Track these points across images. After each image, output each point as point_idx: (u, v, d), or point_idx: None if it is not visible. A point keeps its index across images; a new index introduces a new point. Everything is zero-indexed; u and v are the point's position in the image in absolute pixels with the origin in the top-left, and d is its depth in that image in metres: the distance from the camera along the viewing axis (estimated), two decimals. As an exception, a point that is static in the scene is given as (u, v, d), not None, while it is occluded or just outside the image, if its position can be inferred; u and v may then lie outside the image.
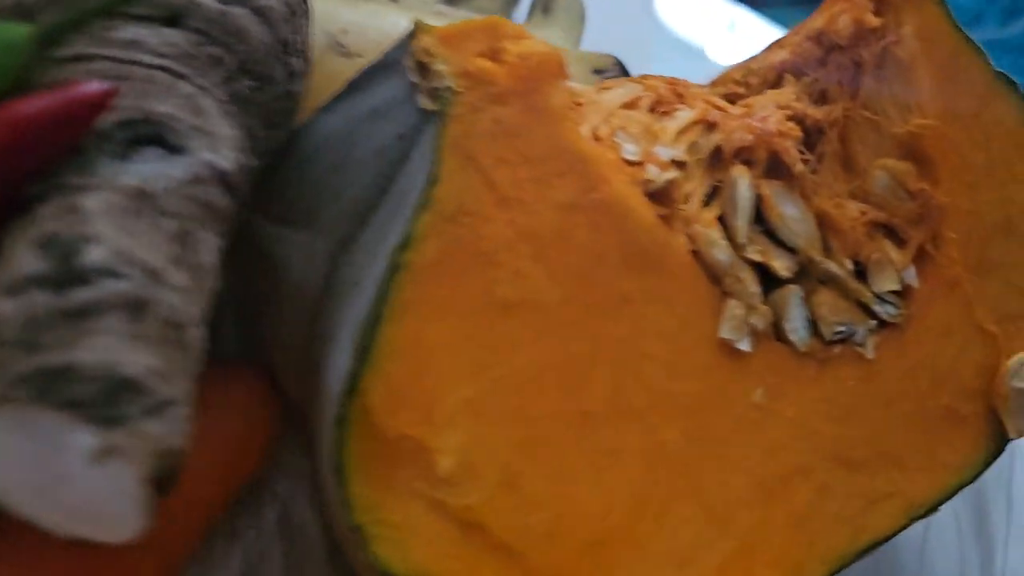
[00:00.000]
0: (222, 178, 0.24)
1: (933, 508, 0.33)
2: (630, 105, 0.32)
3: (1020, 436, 0.33)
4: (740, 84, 0.35)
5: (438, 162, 0.28)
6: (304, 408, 0.34)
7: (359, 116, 0.30)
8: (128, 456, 0.20)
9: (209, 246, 0.24)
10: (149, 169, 0.23)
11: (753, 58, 0.35)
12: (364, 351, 0.27)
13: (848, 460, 0.32)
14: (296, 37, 0.28)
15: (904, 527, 0.32)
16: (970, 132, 0.33)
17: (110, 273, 0.21)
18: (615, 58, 0.41)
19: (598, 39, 0.46)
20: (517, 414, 0.28)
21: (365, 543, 0.28)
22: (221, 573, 0.35)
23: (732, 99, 0.34)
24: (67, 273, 0.21)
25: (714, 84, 0.36)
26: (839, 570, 0.32)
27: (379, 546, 0.28)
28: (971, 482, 0.33)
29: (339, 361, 0.28)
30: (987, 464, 0.33)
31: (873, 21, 0.33)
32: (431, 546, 0.28)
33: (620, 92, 0.33)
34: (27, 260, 0.21)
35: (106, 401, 0.20)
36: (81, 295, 0.20)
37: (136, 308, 0.21)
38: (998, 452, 0.34)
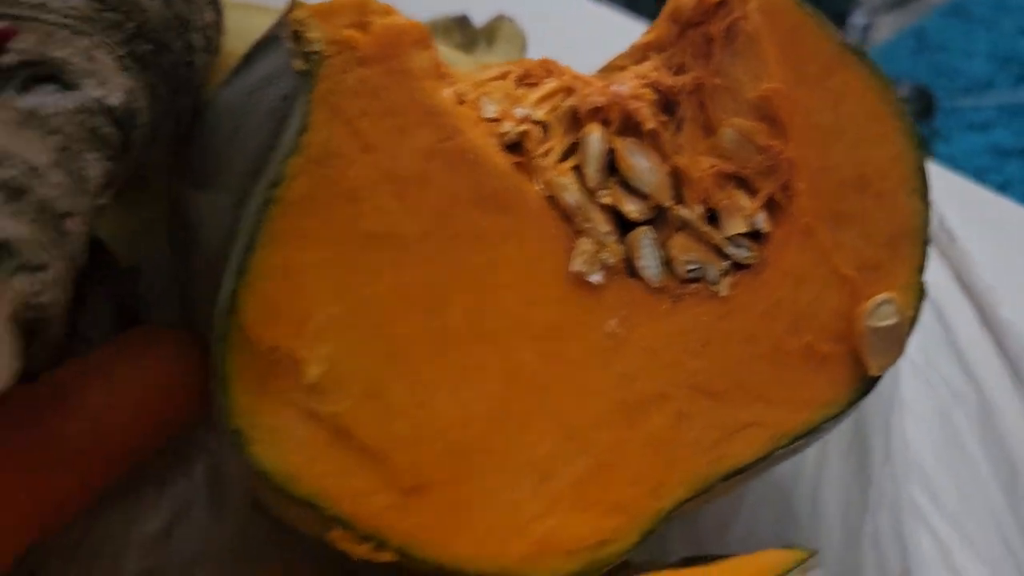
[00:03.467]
0: (110, 112, 0.31)
1: (799, 440, 0.36)
2: (499, 77, 0.38)
3: (880, 373, 0.37)
4: (617, 68, 0.41)
5: (308, 114, 0.34)
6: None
7: (252, 85, 0.37)
8: (-4, 301, 0.26)
9: (96, 165, 0.30)
10: (42, 99, 0.30)
11: (631, 45, 0.41)
12: (240, 273, 0.33)
13: (708, 390, 0.36)
14: (195, 17, 0.35)
15: (768, 456, 0.36)
16: (818, 96, 0.38)
17: (-7, 162, 0.27)
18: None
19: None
20: (381, 331, 0.33)
21: (243, 445, 0.32)
22: (152, 515, 0.40)
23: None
24: (-43, 159, 0.27)
25: (600, 71, 0.42)
26: (702, 492, 0.35)
27: (255, 447, 0.32)
28: (838, 417, 0.37)
29: (222, 294, 0.34)
30: (853, 401, 0.37)
31: (714, -1, 0.39)
32: (303, 449, 0.33)
33: (494, 69, 0.39)
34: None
35: (-21, 256, 0.26)
36: (-33, 176, 0.27)
37: (15, 192, 0.27)
38: (864, 390, 0.37)
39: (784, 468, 0.40)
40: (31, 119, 0.29)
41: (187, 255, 0.40)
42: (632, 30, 0.72)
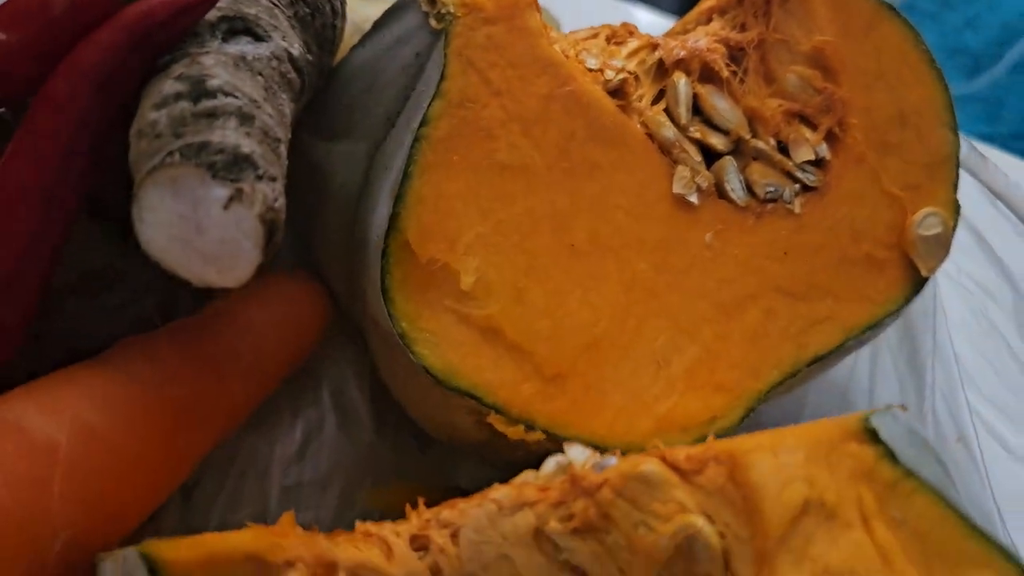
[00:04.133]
0: (292, 59, 0.37)
1: (865, 332, 0.43)
2: (592, 37, 0.45)
3: (930, 274, 0.44)
4: (681, 32, 0.47)
5: (446, 65, 0.40)
6: (346, 301, 0.45)
7: (384, 45, 0.42)
8: (248, 201, 0.31)
9: (287, 105, 0.36)
10: (243, 47, 0.35)
11: (695, 8, 0.48)
12: (399, 199, 0.38)
13: (789, 291, 0.42)
14: (336, -13, 0.41)
15: (841, 346, 0.42)
16: (862, 46, 0.45)
17: (227, 93, 0.33)
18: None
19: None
20: (519, 246, 0.39)
21: (408, 346, 0.38)
22: (288, 438, 0.45)
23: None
24: (198, 90, 0.32)
25: (667, 34, 0.48)
26: (790, 376, 0.42)
27: (419, 348, 0.38)
28: (897, 312, 0.43)
29: (378, 219, 0.40)
30: (908, 298, 0.44)
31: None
32: (460, 347, 0.38)
33: (584, 30, 0.45)
34: (168, 85, 0.33)
35: (231, 166, 0.31)
36: (209, 103, 0.32)
37: (246, 117, 0.33)
38: (917, 289, 0.44)
39: (840, 369, 0.46)
40: (241, 62, 0.34)
41: (315, 204, 0.45)
42: (656, 24, 0.79)
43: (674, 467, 0.30)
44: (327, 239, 0.45)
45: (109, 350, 0.38)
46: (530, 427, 0.39)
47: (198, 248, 0.32)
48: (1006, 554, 0.27)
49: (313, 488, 0.46)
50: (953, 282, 0.47)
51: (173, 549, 0.26)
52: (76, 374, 0.35)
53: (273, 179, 0.33)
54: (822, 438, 0.29)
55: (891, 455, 0.29)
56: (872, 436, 0.29)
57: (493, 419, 0.38)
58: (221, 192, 0.31)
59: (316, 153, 0.45)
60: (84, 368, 0.36)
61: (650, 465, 0.30)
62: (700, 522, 0.29)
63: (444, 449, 0.48)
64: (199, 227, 0.32)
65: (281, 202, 0.33)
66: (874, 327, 0.43)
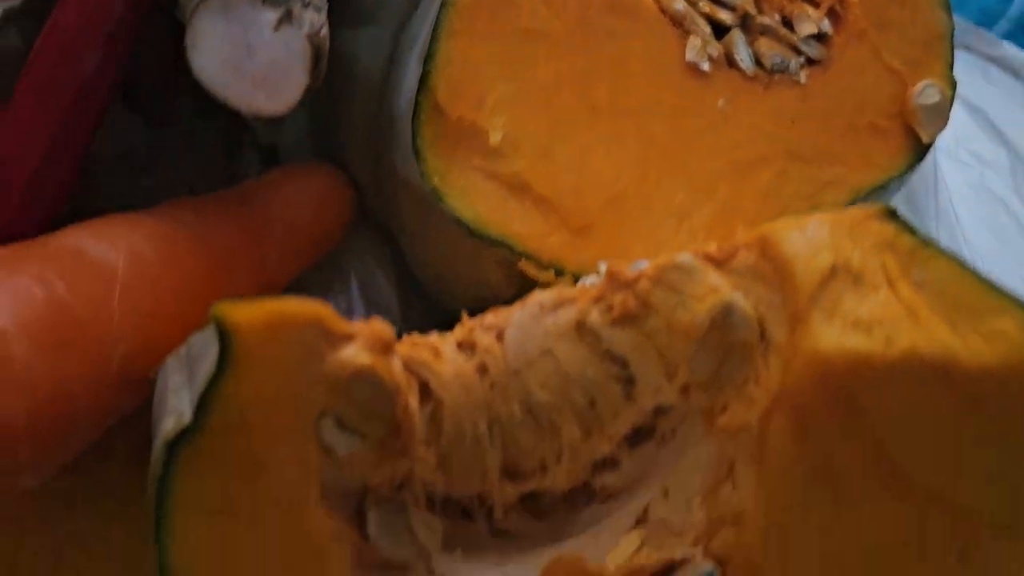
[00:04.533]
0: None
1: (871, 195, 0.45)
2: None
3: (931, 140, 0.46)
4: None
5: (469, -62, 0.42)
6: (372, 194, 0.47)
7: (408, -67, 0.45)
8: (298, 22, 0.33)
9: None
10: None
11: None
12: (429, 58, 0.40)
13: (799, 155, 0.44)
14: None
15: (850, 206, 0.44)
16: (859, -68, 0.48)
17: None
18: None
19: None
20: (544, 106, 0.41)
21: (440, 199, 0.40)
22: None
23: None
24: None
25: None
26: (803, 233, 0.44)
27: (451, 201, 0.40)
28: (901, 178, 0.46)
29: (408, 85, 0.42)
30: (911, 164, 0.46)
31: None
32: (489, 200, 0.40)
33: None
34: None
35: (279, -8, 0.34)
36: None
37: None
38: (919, 156, 0.46)
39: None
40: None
41: (339, 93, 0.47)
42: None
43: (707, 258, 0.32)
44: (353, 127, 0.47)
45: (158, 205, 0.40)
46: (560, 272, 0.40)
47: (249, 71, 0.34)
48: (1023, 304, 0.29)
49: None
50: (951, 158, 0.50)
51: (242, 311, 0.28)
52: (128, 215, 0.37)
53: (319, 8, 0.34)
54: (845, 219, 0.31)
55: (910, 228, 0.31)
56: (891, 215, 0.31)
57: (524, 265, 0.40)
58: (271, 14, 0.33)
59: (340, 41, 0.46)
60: (135, 212, 0.38)
61: (685, 256, 0.32)
62: (735, 295, 0.31)
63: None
64: (250, 49, 0.34)
65: (326, 31, 0.35)
66: (879, 189, 0.45)
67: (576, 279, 0.40)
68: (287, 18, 0.33)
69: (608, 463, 0.34)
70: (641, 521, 0.32)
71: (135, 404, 0.35)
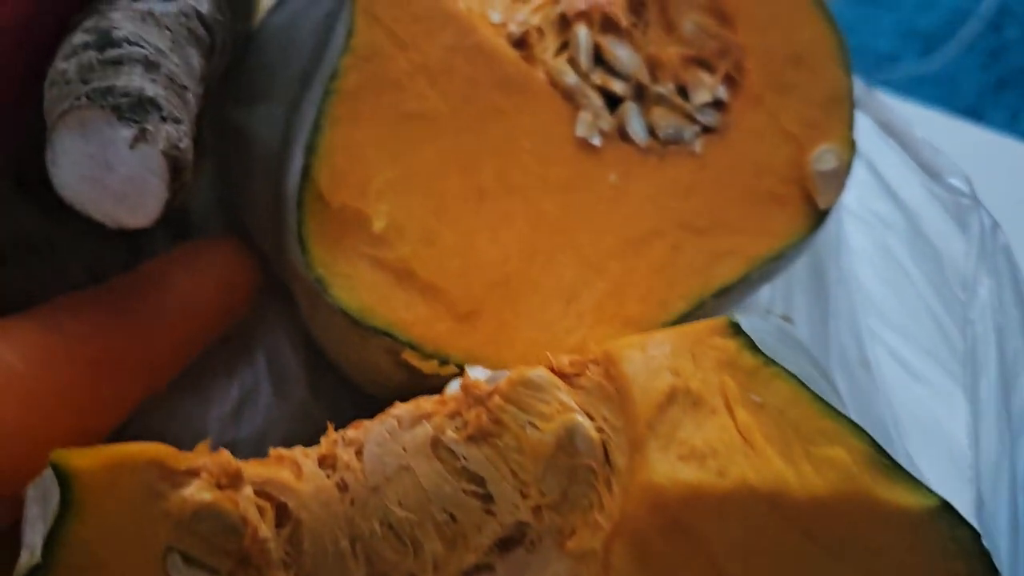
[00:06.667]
0: (200, 16, 0.39)
1: (768, 264, 0.45)
2: (496, -4, 0.47)
3: (828, 207, 0.46)
4: (587, -9, 0.50)
5: (353, 22, 0.42)
6: (276, 264, 0.48)
7: (297, 8, 0.45)
8: (154, 141, 0.34)
9: (196, 59, 0.38)
10: (151, 4, 0.38)
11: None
12: (311, 150, 0.41)
13: (694, 227, 0.45)
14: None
15: (745, 278, 0.45)
16: (756, -6, 0.48)
17: (132, 43, 0.35)
18: None
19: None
20: (429, 190, 0.42)
21: (325, 290, 0.40)
22: (224, 399, 0.47)
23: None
24: (104, 40, 0.35)
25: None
26: (697, 308, 0.44)
27: (335, 291, 0.40)
28: (798, 245, 0.46)
29: (293, 172, 0.42)
30: (808, 231, 0.46)
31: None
32: (374, 289, 0.41)
33: (490, -10, 0.48)
34: (77, 37, 0.35)
35: (137, 108, 0.34)
36: (115, 52, 0.35)
37: (151, 64, 0.35)
38: (817, 222, 0.46)
39: (758, 303, 0.49)
40: (149, 17, 0.37)
41: (241, 169, 0.48)
42: None
43: (559, 373, 0.33)
44: (254, 203, 0.48)
45: (38, 306, 0.40)
46: (444, 361, 0.41)
47: (108, 186, 0.34)
48: (857, 429, 0.29)
49: (248, 446, 0.48)
50: (855, 217, 0.50)
51: (80, 457, 0.28)
52: (1, 322, 0.38)
53: (178, 121, 0.35)
54: (689, 334, 0.32)
55: (752, 346, 0.31)
56: (735, 330, 0.32)
57: (408, 355, 0.41)
58: (126, 132, 0.34)
59: (238, 118, 0.47)
60: (9, 319, 0.38)
61: (537, 371, 0.33)
62: (579, 418, 0.31)
63: (379, 410, 0.50)
64: (108, 166, 0.34)
65: (186, 143, 0.35)
66: (776, 259, 0.46)
67: (460, 369, 0.41)
68: (142, 136, 0.33)
69: (483, 568, 0.34)
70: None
71: (10, 519, 0.35)
